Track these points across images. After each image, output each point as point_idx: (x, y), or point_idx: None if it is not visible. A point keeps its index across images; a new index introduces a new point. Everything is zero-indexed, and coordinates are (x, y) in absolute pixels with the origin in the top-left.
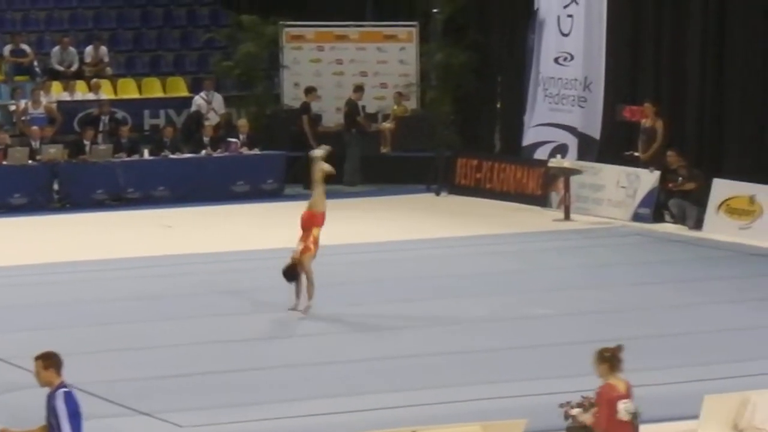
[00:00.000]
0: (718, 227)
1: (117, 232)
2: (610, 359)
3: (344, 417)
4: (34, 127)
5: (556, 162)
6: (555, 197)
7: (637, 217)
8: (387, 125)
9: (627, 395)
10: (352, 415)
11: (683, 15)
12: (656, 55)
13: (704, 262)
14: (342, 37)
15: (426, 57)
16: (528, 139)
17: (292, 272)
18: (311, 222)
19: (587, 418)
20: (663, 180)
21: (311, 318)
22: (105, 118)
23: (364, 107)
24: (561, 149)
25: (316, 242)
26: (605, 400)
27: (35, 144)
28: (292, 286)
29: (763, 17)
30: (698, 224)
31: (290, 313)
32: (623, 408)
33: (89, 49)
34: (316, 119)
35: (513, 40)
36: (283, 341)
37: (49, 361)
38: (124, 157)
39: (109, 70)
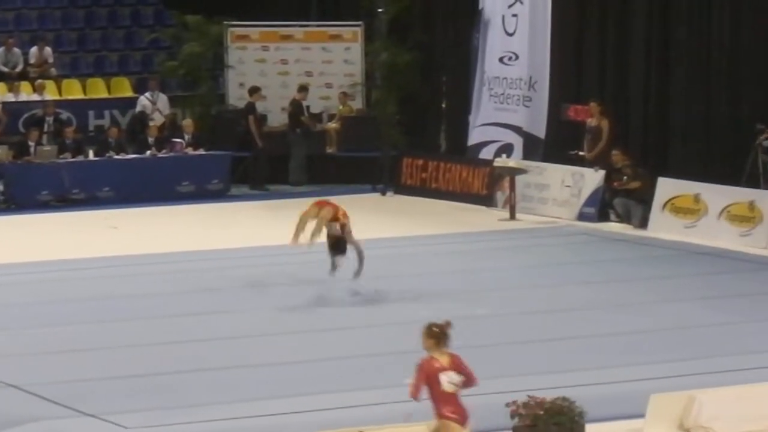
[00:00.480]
0: (663, 226)
1: (62, 233)
2: (437, 335)
3: (290, 418)
4: None
5: (501, 161)
6: (500, 197)
7: (582, 217)
8: (332, 125)
9: (450, 368)
10: (298, 416)
11: (628, 14)
12: (601, 55)
13: (649, 261)
14: (287, 37)
15: (371, 57)
16: (473, 138)
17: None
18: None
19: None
20: (608, 179)
21: (257, 320)
22: (50, 119)
23: (308, 107)
24: (506, 149)
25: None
26: (424, 371)
27: None
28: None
29: (707, 18)
30: (643, 223)
31: (234, 314)
32: (446, 380)
33: (34, 50)
34: (262, 119)
35: (458, 39)
36: (230, 342)
37: None
38: (69, 158)
39: (53, 71)
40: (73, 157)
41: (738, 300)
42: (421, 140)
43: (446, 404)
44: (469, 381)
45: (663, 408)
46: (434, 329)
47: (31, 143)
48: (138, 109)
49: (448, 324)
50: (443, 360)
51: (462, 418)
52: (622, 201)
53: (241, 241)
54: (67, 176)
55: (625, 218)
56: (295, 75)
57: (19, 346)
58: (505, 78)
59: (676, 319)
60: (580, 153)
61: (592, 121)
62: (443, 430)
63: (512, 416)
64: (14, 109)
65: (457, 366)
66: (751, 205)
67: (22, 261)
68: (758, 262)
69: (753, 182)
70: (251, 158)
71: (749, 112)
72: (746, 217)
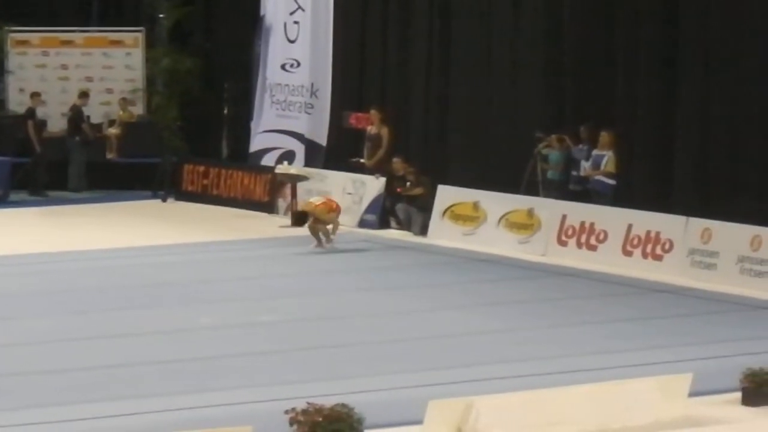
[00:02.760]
0: (443, 233)
1: None
2: None
3: (59, 426)
4: None
5: (282, 168)
6: (282, 204)
7: (363, 224)
8: (113, 131)
9: None
10: (66, 425)
11: (409, 23)
12: (383, 63)
13: (429, 268)
14: (67, 42)
15: (152, 62)
16: (255, 145)
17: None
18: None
19: None
20: (389, 186)
21: (35, 326)
22: None
23: (89, 117)
24: (288, 156)
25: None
26: None
27: None
28: None
29: (487, 24)
30: (424, 230)
31: (13, 320)
32: None
33: None
34: (41, 125)
35: (240, 46)
36: (11, 349)
37: None
38: None
39: None
40: None
41: (516, 306)
42: (202, 146)
43: None
44: None
45: (441, 414)
46: None
47: None
48: None
49: None
50: None
51: None
52: (403, 207)
53: (20, 248)
54: None
55: (405, 225)
56: (75, 80)
57: None
58: (287, 85)
59: (455, 325)
60: (361, 160)
61: (372, 129)
62: None
63: (291, 423)
64: None
65: None
66: (530, 213)
67: None
68: (536, 269)
69: (532, 190)
70: (30, 164)
71: (528, 120)
72: (525, 225)
